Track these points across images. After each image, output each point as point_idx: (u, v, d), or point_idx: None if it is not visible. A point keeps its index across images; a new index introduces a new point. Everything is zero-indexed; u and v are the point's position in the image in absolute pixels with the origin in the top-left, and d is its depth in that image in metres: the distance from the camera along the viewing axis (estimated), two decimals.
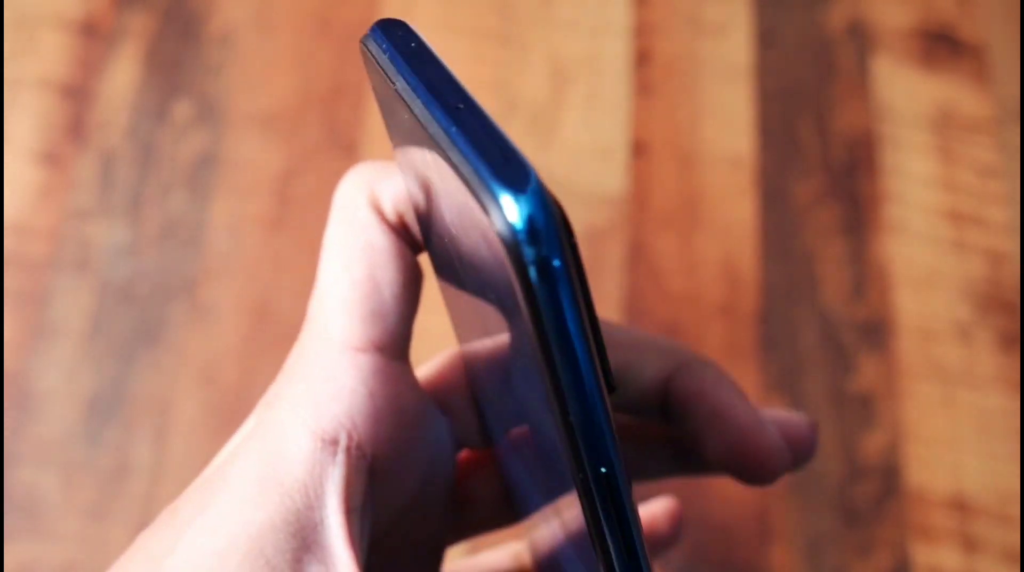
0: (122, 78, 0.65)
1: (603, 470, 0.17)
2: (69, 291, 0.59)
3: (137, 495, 0.55)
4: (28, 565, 0.53)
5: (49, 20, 0.66)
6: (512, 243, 0.15)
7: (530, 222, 0.15)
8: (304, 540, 0.21)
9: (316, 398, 0.22)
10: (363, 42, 0.21)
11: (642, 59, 0.69)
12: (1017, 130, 0.68)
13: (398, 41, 0.21)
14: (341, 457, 0.22)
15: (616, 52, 0.69)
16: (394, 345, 0.24)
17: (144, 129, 0.64)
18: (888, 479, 0.58)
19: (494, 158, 0.16)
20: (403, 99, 0.19)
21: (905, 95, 0.69)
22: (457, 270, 0.21)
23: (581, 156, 0.65)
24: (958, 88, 0.69)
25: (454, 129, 0.17)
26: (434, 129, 0.17)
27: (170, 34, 0.67)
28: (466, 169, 0.16)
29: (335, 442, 0.22)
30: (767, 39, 0.70)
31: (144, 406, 0.57)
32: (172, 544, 0.22)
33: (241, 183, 0.63)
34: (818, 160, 0.66)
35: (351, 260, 0.24)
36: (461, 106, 0.18)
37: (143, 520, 0.54)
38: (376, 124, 0.65)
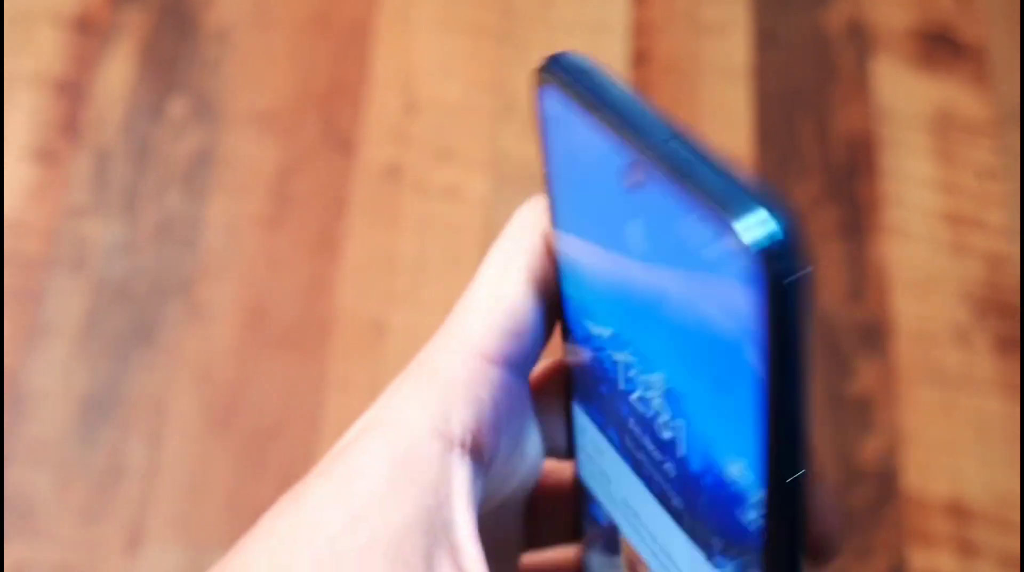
0: (118, 75, 0.65)
1: (802, 472, 0.19)
2: (64, 290, 0.59)
3: (131, 495, 0.55)
4: (21, 565, 0.53)
5: (44, 16, 0.66)
6: (764, 254, 0.16)
7: (783, 234, 0.16)
8: (435, 537, 0.22)
9: (447, 401, 0.23)
10: (544, 73, 0.21)
11: (641, 59, 0.68)
12: (1017, 132, 0.68)
13: (590, 70, 0.21)
14: (468, 459, 0.23)
15: (615, 51, 0.69)
16: (524, 364, 0.25)
17: (140, 126, 0.64)
18: (886, 483, 0.58)
19: (736, 179, 0.17)
20: (612, 127, 0.20)
21: (905, 97, 0.68)
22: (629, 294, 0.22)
23: None
24: (958, 90, 0.69)
25: (690, 154, 0.18)
26: (663, 155, 0.19)
27: (166, 30, 0.66)
28: (709, 190, 0.17)
29: (463, 445, 0.23)
30: (767, 40, 0.70)
31: (139, 406, 0.57)
32: (310, 536, 0.22)
33: (237, 182, 0.63)
34: (817, 161, 0.66)
35: (509, 278, 0.25)
36: (682, 133, 0.19)
37: (137, 521, 0.54)
38: (374, 124, 0.65)
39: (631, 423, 0.23)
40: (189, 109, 0.64)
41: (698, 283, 0.18)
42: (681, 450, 0.21)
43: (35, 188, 0.61)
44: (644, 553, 0.24)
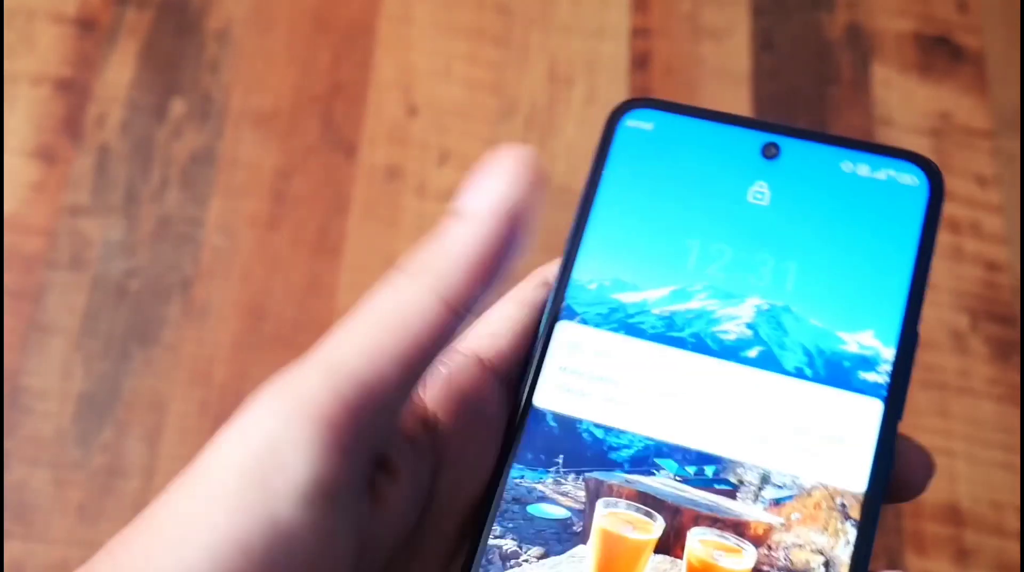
0: (118, 74, 0.65)
1: (918, 329, 0.26)
2: (62, 288, 0.59)
3: (129, 495, 0.55)
4: (18, 564, 0.53)
5: (46, 14, 0.66)
6: (931, 175, 0.28)
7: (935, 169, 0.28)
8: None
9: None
10: (624, 120, 0.30)
11: (640, 62, 0.68)
12: (1015, 138, 0.68)
13: (669, 106, 0.29)
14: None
15: (614, 55, 0.69)
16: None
17: (140, 126, 0.64)
18: None
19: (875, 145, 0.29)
20: (734, 123, 0.29)
21: (904, 102, 0.69)
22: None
23: (579, 158, 0.65)
24: (957, 96, 0.69)
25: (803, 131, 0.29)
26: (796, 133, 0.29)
27: (167, 30, 0.66)
28: (869, 151, 0.29)
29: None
30: (766, 44, 0.70)
31: (137, 405, 0.57)
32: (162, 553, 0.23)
33: (237, 181, 0.63)
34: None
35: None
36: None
37: None
38: (374, 125, 0.65)
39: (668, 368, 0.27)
40: (189, 109, 0.64)
41: (855, 201, 0.28)
42: (776, 354, 0.27)
43: (34, 187, 0.61)
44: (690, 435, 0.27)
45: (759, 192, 0.28)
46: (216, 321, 0.59)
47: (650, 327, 0.27)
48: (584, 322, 0.27)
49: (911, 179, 0.28)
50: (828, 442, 0.26)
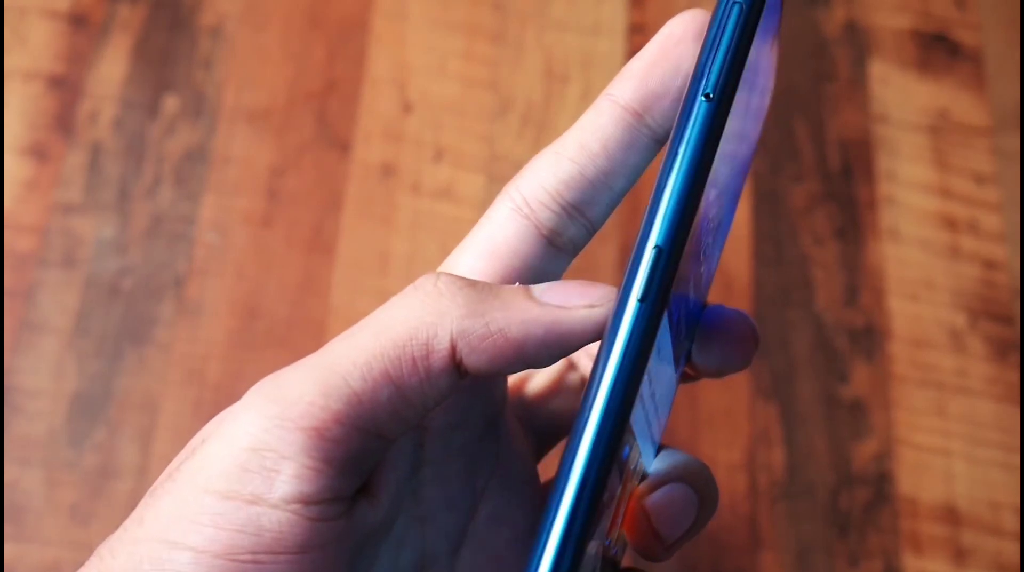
0: (111, 70, 0.64)
1: None
2: (54, 287, 0.59)
3: (122, 496, 0.54)
4: (10, 565, 0.53)
5: (37, 10, 0.65)
6: None
7: None
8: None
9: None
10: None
11: None
12: (1013, 136, 0.68)
13: None
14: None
15: (610, 51, 0.68)
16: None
17: (133, 123, 0.63)
18: (879, 487, 0.58)
19: None
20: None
21: (901, 99, 0.68)
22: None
23: None
24: (954, 93, 0.69)
25: None
26: None
27: (160, 26, 0.66)
28: None
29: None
30: None
31: (130, 405, 0.57)
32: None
33: (230, 179, 0.62)
34: (813, 163, 0.66)
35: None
36: None
37: None
38: (369, 122, 0.65)
39: (691, 280, 0.25)
40: (182, 106, 0.64)
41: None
42: (703, 268, 0.25)
43: (26, 185, 0.61)
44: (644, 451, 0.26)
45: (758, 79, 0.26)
46: (210, 319, 0.59)
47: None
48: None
49: None
50: None
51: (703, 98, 0.22)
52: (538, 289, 0.24)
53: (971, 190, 0.66)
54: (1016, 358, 0.61)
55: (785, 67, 0.69)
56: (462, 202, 0.63)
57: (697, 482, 0.27)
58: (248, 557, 0.22)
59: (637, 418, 0.23)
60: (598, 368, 0.21)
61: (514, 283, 0.26)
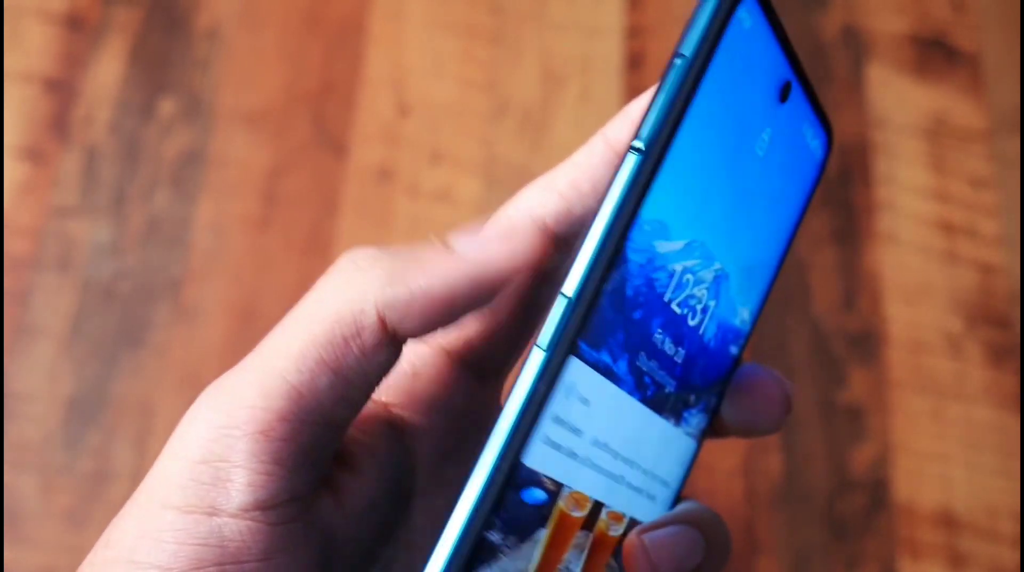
0: (107, 73, 0.64)
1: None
2: (50, 290, 0.59)
3: (117, 500, 0.54)
4: (6, 569, 0.53)
5: (34, 12, 0.65)
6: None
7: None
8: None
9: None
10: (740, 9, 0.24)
11: (634, 61, 0.68)
12: (1010, 140, 0.68)
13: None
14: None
15: (608, 53, 0.68)
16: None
17: (129, 125, 0.63)
18: (876, 492, 0.58)
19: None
20: (788, 50, 0.26)
21: (899, 103, 0.68)
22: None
23: None
24: (952, 97, 0.69)
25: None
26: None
27: (156, 28, 0.66)
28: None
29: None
30: None
31: (126, 409, 0.56)
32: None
33: (227, 182, 0.62)
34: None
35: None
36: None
37: None
38: (366, 124, 0.65)
39: (656, 336, 0.25)
40: (178, 108, 0.64)
41: (791, 160, 0.26)
42: (702, 328, 0.26)
43: (22, 187, 0.61)
44: (618, 501, 0.25)
45: (763, 140, 0.26)
46: (206, 323, 0.59)
47: (656, 290, 0.24)
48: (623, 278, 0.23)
49: (816, 142, 0.28)
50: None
51: (632, 149, 0.22)
52: (457, 241, 0.24)
53: (969, 194, 0.66)
54: (1013, 363, 0.61)
55: None
56: (460, 205, 0.62)
57: (707, 530, 0.27)
58: (214, 570, 0.22)
59: (599, 477, 0.24)
60: (502, 415, 0.22)
61: (497, 308, 0.26)
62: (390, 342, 0.23)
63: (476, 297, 0.24)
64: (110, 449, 0.55)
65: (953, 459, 0.59)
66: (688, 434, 0.27)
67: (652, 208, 0.22)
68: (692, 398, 0.26)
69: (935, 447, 0.59)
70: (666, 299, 0.24)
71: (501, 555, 0.22)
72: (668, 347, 0.25)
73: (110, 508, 0.54)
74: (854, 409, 0.60)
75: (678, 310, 0.25)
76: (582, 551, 0.24)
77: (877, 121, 0.67)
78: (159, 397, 0.57)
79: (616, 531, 0.26)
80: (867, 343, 0.61)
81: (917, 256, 0.64)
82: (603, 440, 0.24)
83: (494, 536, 0.22)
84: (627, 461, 0.25)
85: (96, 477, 0.55)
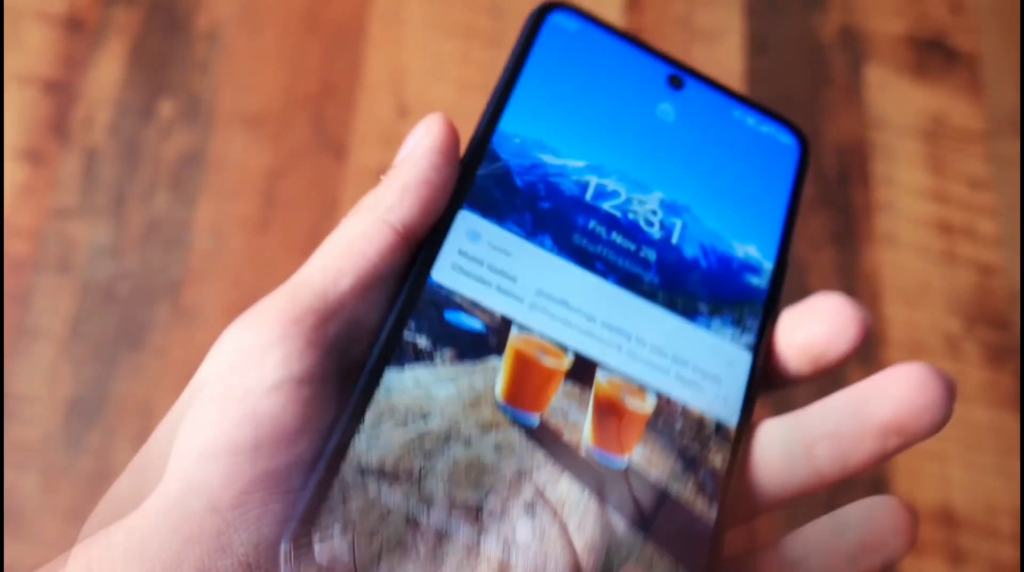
0: (106, 74, 0.64)
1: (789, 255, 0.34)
2: (50, 292, 0.59)
3: None
4: (7, 568, 0.53)
5: (33, 14, 0.65)
6: (802, 143, 0.36)
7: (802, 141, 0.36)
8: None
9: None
10: (551, 16, 0.33)
11: None
12: (1009, 141, 0.68)
13: (590, 16, 0.34)
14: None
15: None
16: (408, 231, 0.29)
17: (128, 127, 0.63)
18: (875, 491, 0.58)
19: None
20: (643, 50, 0.34)
21: (897, 104, 0.68)
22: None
23: None
24: (951, 98, 0.69)
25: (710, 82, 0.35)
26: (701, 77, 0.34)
27: (155, 30, 0.66)
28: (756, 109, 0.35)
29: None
30: (759, 46, 0.69)
31: (126, 409, 0.56)
32: None
33: (226, 183, 0.62)
34: (810, 168, 0.66)
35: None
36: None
37: None
38: (365, 126, 0.65)
39: (591, 225, 0.30)
40: (178, 110, 0.64)
41: (742, 145, 0.33)
42: (673, 241, 0.30)
43: (21, 189, 0.61)
44: (573, 338, 0.28)
45: (666, 110, 0.32)
46: (205, 324, 0.59)
47: (567, 192, 0.30)
48: (506, 168, 0.30)
49: (787, 140, 0.35)
50: (703, 376, 0.29)
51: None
52: (395, 163, 0.29)
53: (967, 195, 0.66)
54: (1012, 364, 0.62)
55: (781, 72, 0.69)
56: None
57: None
58: (251, 447, 0.23)
59: (555, 324, 0.28)
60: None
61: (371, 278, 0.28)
62: (401, 240, 0.27)
63: (450, 169, 0.29)
64: (110, 449, 0.55)
65: (952, 458, 0.59)
66: (716, 335, 0.30)
67: (511, 124, 0.31)
68: (704, 306, 0.30)
69: (934, 446, 0.59)
70: (588, 201, 0.30)
71: (436, 363, 0.26)
72: (620, 240, 0.30)
73: None
74: None
75: (618, 214, 0.30)
76: (586, 407, 0.27)
77: (876, 122, 0.68)
78: (159, 398, 0.57)
79: (639, 406, 0.28)
80: (866, 343, 0.61)
81: (916, 257, 0.64)
82: (548, 291, 0.28)
83: (421, 341, 0.26)
84: (590, 318, 0.28)
85: (97, 476, 0.55)
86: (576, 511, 0.26)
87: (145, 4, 0.66)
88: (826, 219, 0.65)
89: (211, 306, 0.59)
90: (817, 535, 0.29)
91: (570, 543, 0.26)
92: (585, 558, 0.25)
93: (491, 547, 0.24)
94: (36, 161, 0.61)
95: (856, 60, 0.70)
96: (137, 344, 0.58)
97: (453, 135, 0.30)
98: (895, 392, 0.28)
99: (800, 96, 0.68)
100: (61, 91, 0.64)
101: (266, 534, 0.23)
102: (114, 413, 0.56)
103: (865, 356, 0.61)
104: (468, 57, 0.67)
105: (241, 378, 0.24)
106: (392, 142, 0.64)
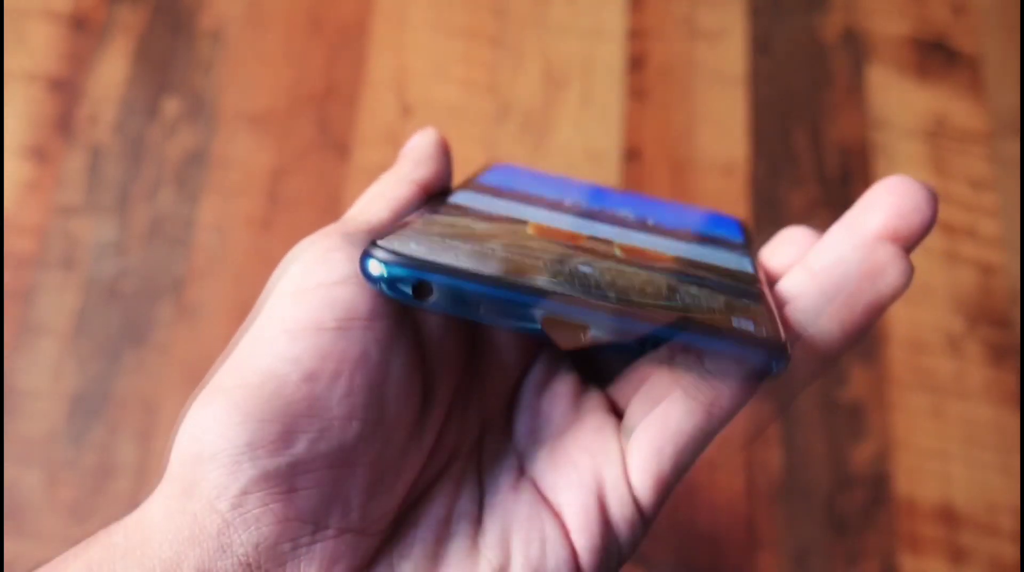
0: (111, 73, 0.65)
1: None
2: (54, 289, 0.59)
3: (121, 495, 0.54)
4: (10, 563, 0.53)
5: (38, 13, 0.66)
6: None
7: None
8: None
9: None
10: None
11: (636, 63, 0.68)
12: (1010, 142, 0.68)
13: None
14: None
15: (610, 56, 0.69)
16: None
17: (133, 125, 0.63)
18: (877, 488, 0.58)
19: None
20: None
21: (899, 105, 0.69)
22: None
23: (573, 159, 0.65)
24: (952, 99, 0.69)
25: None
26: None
27: (160, 29, 0.66)
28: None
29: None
30: (762, 46, 0.70)
31: (129, 405, 0.57)
32: None
33: (230, 182, 0.62)
34: (811, 169, 0.66)
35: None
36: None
37: None
38: (369, 125, 0.65)
39: (576, 202, 0.34)
40: (182, 109, 0.64)
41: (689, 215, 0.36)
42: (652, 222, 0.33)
43: (26, 187, 0.61)
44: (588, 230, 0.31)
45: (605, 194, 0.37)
46: (209, 322, 0.59)
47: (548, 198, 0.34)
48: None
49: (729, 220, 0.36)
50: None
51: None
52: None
53: (969, 196, 0.66)
54: (1013, 362, 0.62)
55: (784, 73, 0.69)
56: None
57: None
58: (332, 325, 0.25)
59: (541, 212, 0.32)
60: None
61: None
62: (422, 191, 0.30)
63: (441, 162, 0.32)
64: (114, 445, 0.56)
65: (953, 456, 0.59)
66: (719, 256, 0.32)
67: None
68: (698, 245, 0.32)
69: (935, 444, 0.59)
70: (568, 204, 0.34)
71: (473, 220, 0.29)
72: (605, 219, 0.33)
73: (113, 502, 0.54)
74: (855, 406, 0.60)
75: (597, 209, 0.33)
76: (592, 256, 0.28)
77: (877, 123, 0.68)
78: (162, 394, 0.57)
79: (660, 252, 0.30)
80: (868, 342, 0.62)
81: (918, 256, 0.64)
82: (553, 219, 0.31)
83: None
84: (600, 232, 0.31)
85: (100, 471, 0.55)
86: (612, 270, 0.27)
87: (150, 3, 0.67)
88: (828, 219, 0.65)
89: (214, 303, 0.59)
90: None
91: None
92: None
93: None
94: (41, 159, 0.62)
95: (858, 61, 0.70)
96: (140, 341, 0.58)
97: (445, 141, 0.33)
98: (883, 202, 0.28)
99: (802, 96, 0.68)
100: (66, 89, 0.64)
101: (266, 534, 0.24)
102: (117, 409, 0.56)
103: (867, 355, 0.61)
104: (471, 57, 0.67)
105: (313, 276, 0.25)
106: (395, 141, 0.64)
